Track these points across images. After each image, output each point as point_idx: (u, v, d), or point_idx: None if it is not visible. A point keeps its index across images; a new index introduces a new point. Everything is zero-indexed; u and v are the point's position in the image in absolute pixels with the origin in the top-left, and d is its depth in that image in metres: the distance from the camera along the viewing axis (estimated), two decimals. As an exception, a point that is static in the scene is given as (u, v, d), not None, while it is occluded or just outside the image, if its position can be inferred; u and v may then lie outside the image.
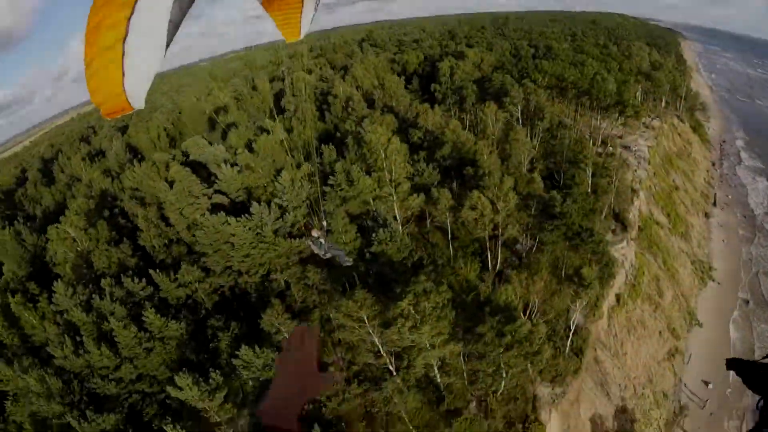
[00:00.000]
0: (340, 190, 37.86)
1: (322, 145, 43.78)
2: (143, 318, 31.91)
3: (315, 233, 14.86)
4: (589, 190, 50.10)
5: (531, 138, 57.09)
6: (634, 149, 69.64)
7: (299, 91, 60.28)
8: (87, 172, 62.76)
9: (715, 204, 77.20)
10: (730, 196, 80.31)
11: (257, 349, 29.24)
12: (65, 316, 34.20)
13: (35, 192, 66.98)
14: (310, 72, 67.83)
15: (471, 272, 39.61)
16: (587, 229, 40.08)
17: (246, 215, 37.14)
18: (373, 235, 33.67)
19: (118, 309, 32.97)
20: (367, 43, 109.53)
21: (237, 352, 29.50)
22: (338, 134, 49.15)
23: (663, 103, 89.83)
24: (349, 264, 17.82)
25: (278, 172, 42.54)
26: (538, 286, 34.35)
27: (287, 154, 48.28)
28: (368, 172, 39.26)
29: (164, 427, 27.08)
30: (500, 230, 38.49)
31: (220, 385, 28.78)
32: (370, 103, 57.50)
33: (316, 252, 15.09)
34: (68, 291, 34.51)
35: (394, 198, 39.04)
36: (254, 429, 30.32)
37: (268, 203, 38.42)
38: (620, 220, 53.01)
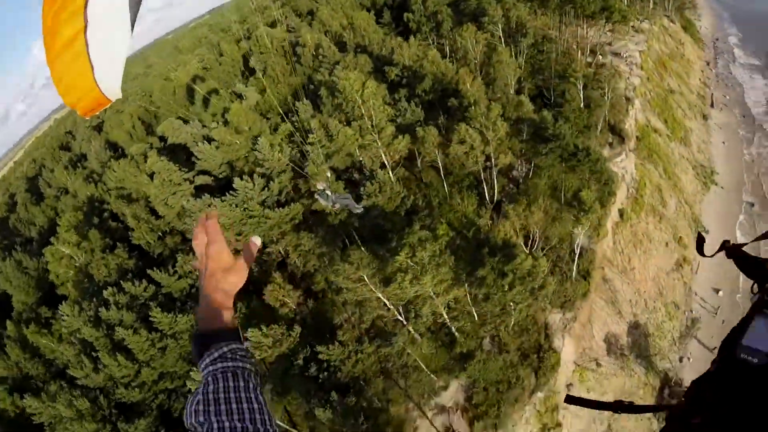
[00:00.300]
0: (322, 146, 35.86)
1: (296, 102, 41.15)
2: (151, 318, 31.62)
3: (320, 185, 14.89)
4: (582, 104, 47.90)
5: (515, 57, 54.20)
6: (624, 55, 66.08)
7: (265, 47, 56.82)
8: (71, 181, 61.14)
9: (712, 105, 74.34)
10: (727, 96, 77.35)
11: (264, 328, 28.59)
12: (78, 335, 34.05)
13: (27, 214, 65.55)
14: (273, 25, 63.54)
15: (469, 207, 38.32)
16: (583, 148, 38.36)
17: (230, 192, 35.72)
18: (362, 188, 32.06)
19: (126, 315, 32.97)
20: None
21: (246, 336, 28.61)
22: (312, 87, 46.42)
23: (651, 4, 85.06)
24: (359, 211, 18.45)
25: (255, 139, 40.38)
26: (536, 216, 32.92)
27: (263, 118, 46.07)
28: (348, 122, 37.13)
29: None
30: (493, 160, 36.72)
31: None
32: (342, 47, 53.99)
33: (324, 204, 15.54)
34: (74, 310, 34.34)
35: (379, 144, 37.10)
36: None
37: (251, 175, 36.77)
38: (617, 132, 51.01)
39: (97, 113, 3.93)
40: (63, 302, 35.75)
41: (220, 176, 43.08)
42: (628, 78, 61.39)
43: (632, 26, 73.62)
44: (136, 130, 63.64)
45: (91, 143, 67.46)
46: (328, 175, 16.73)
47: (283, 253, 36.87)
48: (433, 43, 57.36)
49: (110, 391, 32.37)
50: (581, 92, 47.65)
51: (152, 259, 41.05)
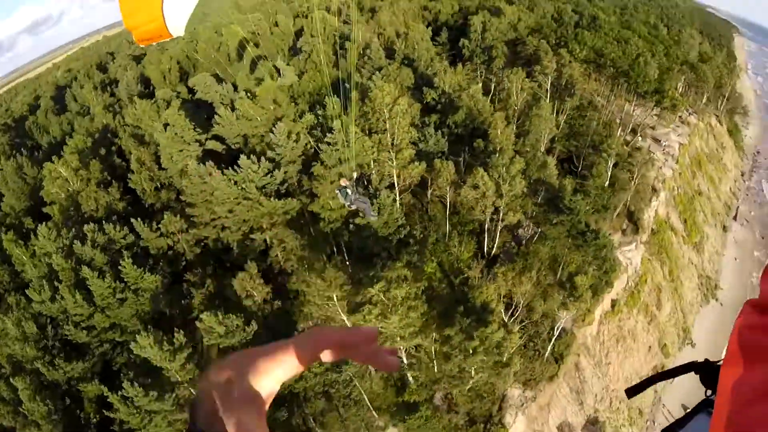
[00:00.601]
0: (336, 150, 34.59)
1: (326, 98, 39.87)
2: (120, 267, 30.33)
3: (343, 182, 14.77)
4: (607, 182, 46.58)
5: (556, 114, 52.95)
6: (664, 144, 64.64)
7: (317, 32, 55.63)
8: (95, 104, 60.60)
9: (735, 218, 72.56)
10: (752, 212, 75.33)
11: (220, 315, 27.19)
12: (47, 259, 33.03)
13: (45, 121, 65.71)
14: (328, 10, 62.43)
15: (465, 253, 37.05)
16: (593, 230, 36.91)
17: (234, 167, 34.57)
18: (360, 206, 30.71)
19: (99, 256, 31.43)
20: None
21: (201, 316, 27.60)
22: (347, 85, 45.27)
23: (704, 99, 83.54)
24: (374, 217, 18.72)
25: (276, 121, 39.21)
26: (525, 287, 31.48)
27: (292, 102, 44.90)
28: (370, 133, 35.86)
29: (124, 386, 25.71)
30: (501, 215, 35.35)
31: (183, 346, 27.00)
32: (390, 54, 52.78)
33: (342, 201, 15.06)
34: (51, 233, 33.08)
35: (393, 164, 35.75)
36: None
37: (260, 156, 35.58)
38: (633, 221, 49.60)
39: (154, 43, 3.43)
40: (43, 223, 34.63)
41: (234, 146, 42.01)
42: (661, 168, 60.03)
43: (679, 116, 72.20)
44: (171, 74, 62.70)
45: (126, 72, 66.86)
46: (354, 174, 16.27)
47: (268, 242, 35.72)
48: (481, 76, 56.23)
49: (60, 324, 31.36)
50: (609, 170, 46.33)
51: (143, 207, 40.09)
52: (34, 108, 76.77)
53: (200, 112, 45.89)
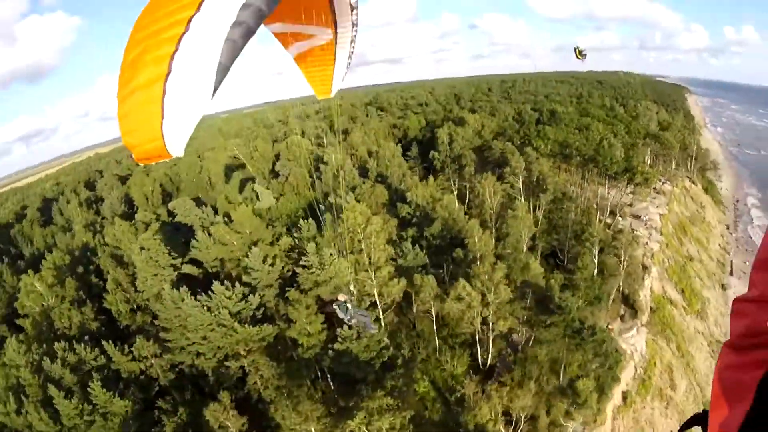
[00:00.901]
0: (311, 273, 34.46)
1: (301, 220, 40.58)
2: (89, 389, 29.42)
3: (341, 297, 14.73)
4: (595, 271, 46.25)
5: (533, 211, 53.87)
6: (645, 218, 65.45)
7: (293, 156, 58.07)
8: (77, 221, 62.00)
9: (732, 273, 71.36)
10: (747, 263, 74.10)
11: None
12: (15, 371, 32.16)
13: (30, 231, 66.39)
14: (303, 134, 65.70)
15: (459, 368, 35.71)
16: (589, 326, 35.91)
17: (207, 293, 34.03)
18: (339, 330, 30.05)
19: (68, 375, 30.90)
20: (373, 106, 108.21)
21: None
22: (321, 207, 46.28)
23: (673, 165, 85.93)
24: (374, 332, 18.65)
25: (253, 245, 39.59)
26: (524, 400, 29.90)
27: (268, 226, 45.62)
28: (345, 254, 35.96)
29: None
30: (491, 324, 34.52)
31: None
32: (364, 172, 54.76)
33: (341, 317, 14.71)
34: (21, 348, 32.69)
35: (373, 283, 35.47)
36: None
37: (235, 282, 35.36)
38: (630, 304, 48.58)
39: (154, 162, 3.76)
40: (16, 334, 34.48)
41: (211, 270, 42.19)
42: (647, 243, 60.09)
43: (654, 188, 73.86)
44: (154, 196, 64.31)
45: (111, 191, 69.03)
46: (352, 288, 17.83)
47: (246, 369, 34.29)
48: (455, 184, 57.87)
49: None
50: (596, 258, 46.18)
51: (117, 329, 39.55)
52: (20, 216, 77.74)
53: (178, 236, 46.97)
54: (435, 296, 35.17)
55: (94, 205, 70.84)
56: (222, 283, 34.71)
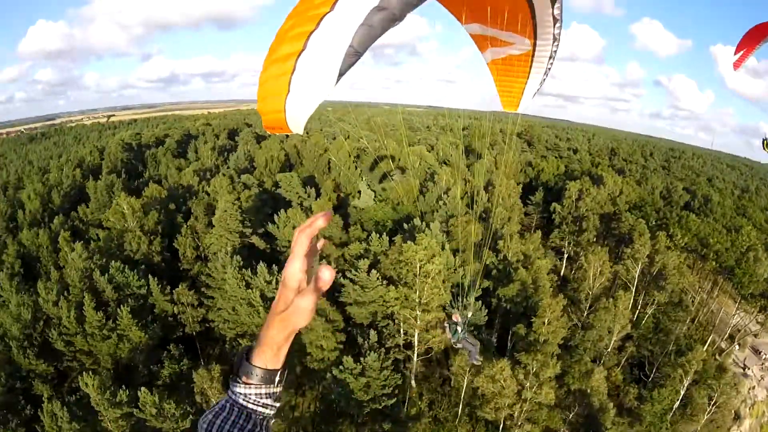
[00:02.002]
0: (354, 289, 32.17)
1: (374, 233, 38.44)
2: (119, 310, 31.82)
3: (455, 318, 14.04)
4: (677, 404, 37.86)
5: (642, 308, 46.01)
6: (764, 356, 52.79)
7: (411, 165, 56.21)
8: (197, 163, 65.77)
9: None
10: None
11: (157, 396, 26.79)
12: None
13: (162, 157, 74.11)
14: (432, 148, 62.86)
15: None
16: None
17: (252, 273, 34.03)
18: (344, 358, 27.60)
19: (109, 291, 33.72)
20: (523, 138, 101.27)
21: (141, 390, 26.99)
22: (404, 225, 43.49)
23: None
24: (477, 363, 18.03)
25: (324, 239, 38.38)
26: None
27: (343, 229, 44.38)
28: (396, 282, 33.16)
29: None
30: (516, 421, 29.46)
31: (124, 403, 26.88)
32: (473, 203, 50.17)
33: (447, 337, 14.58)
34: (84, 254, 35.68)
35: (416, 323, 32.26)
36: None
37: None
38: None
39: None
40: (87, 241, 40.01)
41: (280, 249, 43.23)
42: (753, 387, 48.43)
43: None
44: (273, 163, 65.49)
45: (245, 146, 72.84)
46: (469, 313, 15.47)
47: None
48: (569, 246, 51.60)
49: (50, 325, 32.52)
50: (683, 389, 37.79)
51: (177, 269, 42.20)
52: (160, 142, 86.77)
53: (268, 207, 47.71)
54: (473, 364, 30.87)
55: (225, 153, 75.71)
56: (270, 266, 34.53)
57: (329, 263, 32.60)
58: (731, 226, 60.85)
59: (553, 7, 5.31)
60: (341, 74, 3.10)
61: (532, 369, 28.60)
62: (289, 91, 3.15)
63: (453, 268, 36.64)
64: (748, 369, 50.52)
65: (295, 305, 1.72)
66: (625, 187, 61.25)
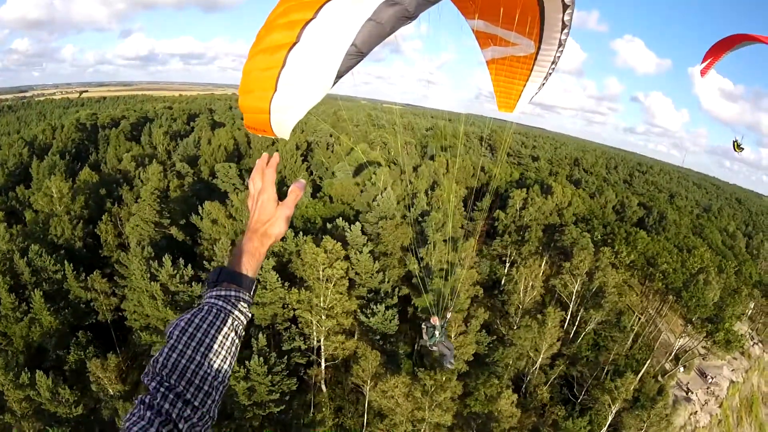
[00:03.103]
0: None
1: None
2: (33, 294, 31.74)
3: (433, 320, 13.73)
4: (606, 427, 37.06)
5: (575, 325, 45.08)
6: (710, 380, 52.24)
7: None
8: (139, 148, 64.67)
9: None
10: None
11: (50, 381, 26.86)
12: None
13: (114, 139, 72.37)
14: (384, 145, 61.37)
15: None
16: None
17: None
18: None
19: (27, 275, 33.65)
20: (485, 142, 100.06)
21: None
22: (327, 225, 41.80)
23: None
24: (451, 367, 17.20)
25: (237, 234, 36.94)
26: None
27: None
28: (296, 284, 31.81)
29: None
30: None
31: (26, 385, 27.01)
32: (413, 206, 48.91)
33: (424, 339, 14.00)
34: (6, 236, 35.91)
35: (321, 328, 30.74)
36: None
37: (186, 264, 33.32)
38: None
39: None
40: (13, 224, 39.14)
41: (199, 242, 41.96)
42: (695, 413, 47.88)
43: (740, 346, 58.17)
44: (218, 152, 64.20)
45: (200, 132, 69.58)
46: (448, 315, 15.38)
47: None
48: (510, 256, 50.39)
49: None
50: (610, 416, 36.93)
51: (98, 255, 40.99)
52: (116, 123, 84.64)
53: (195, 199, 46.22)
54: (373, 375, 29.50)
55: (177, 139, 73.48)
56: (176, 260, 33.48)
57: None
58: (684, 245, 60.07)
59: (564, 13, 5.17)
60: (339, 76, 2.68)
61: (430, 388, 27.25)
62: (276, 89, 2.70)
63: (371, 273, 35.24)
64: (692, 393, 49.73)
65: (277, 215, 2.09)
66: (574, 199, 60.10)
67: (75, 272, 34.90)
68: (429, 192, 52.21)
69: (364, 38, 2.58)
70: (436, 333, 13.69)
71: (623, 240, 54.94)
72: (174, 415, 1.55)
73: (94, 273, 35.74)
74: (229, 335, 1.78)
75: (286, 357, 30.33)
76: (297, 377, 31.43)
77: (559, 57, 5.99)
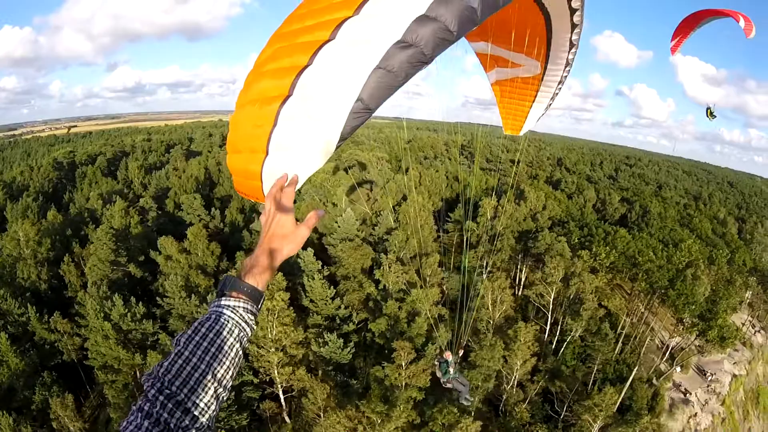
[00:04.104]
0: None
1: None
2: None
3: (447, 356, 13.36)
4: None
5: (552, 336, 43.65)
6: (710, 377, 49.67)
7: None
8: (113, 183, 63.30)
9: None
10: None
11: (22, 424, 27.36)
12: None
13: (90, 175, 71.79)
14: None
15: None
16: None
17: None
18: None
19: None
20: (467, 149, 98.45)
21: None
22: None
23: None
24: (468, 404, 16.36)
25: (191, 269, 36.20)
26: None
27: (213, 254, 41.95)
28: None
29: None
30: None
31: None
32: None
33: (438, 375, 13.50)
34: None
35: (274, 361, 29.67)
36: None
37: (139, 300, 33.40)
38: None
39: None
40: None
41: (158, 278, 40.68)
42: (695, 415, 46.01)
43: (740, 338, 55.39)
44: (189, 183, 64.01)
45: (176, 164, 69.28)
46: (461, 352, 15.40)
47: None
48: (487, 266, 48.92)
49: None
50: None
51: (63, 296, 40.79)
52: (93, 160, 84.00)
53: (155, 234, 45.41)
54: (322, 408, 28.40)
55: (152, 171, 72.90)
56: (128, 299, 33.54)
57: (197, 294, 30.18)
58: (670, 239, 58.13)
59: (572, 33, 5.04)
60: (342, 139, 2.23)
61: (377, 420, 26.08)
62: (267, 152, 2.30)
63: (325, 300, 34.28)
64: (690, 393, 47.76)
65: (295, 233, 2.06)
66: (549, 202, 58.75)
67: (38, 314, 35.41)
68: (395, 208, 51.01)
69: (371, 91, 2.14)
70: (450, 369, 13.35)
71: (601, 241, 53.46)
72: (172, 425, 1.52)
73: (55, 314, 35.78)
74: (234, 346, 1.78)
75: (233, 393, 29.39)
76: (251, 411, 30.64)
77: (566, 76, 5.87)
